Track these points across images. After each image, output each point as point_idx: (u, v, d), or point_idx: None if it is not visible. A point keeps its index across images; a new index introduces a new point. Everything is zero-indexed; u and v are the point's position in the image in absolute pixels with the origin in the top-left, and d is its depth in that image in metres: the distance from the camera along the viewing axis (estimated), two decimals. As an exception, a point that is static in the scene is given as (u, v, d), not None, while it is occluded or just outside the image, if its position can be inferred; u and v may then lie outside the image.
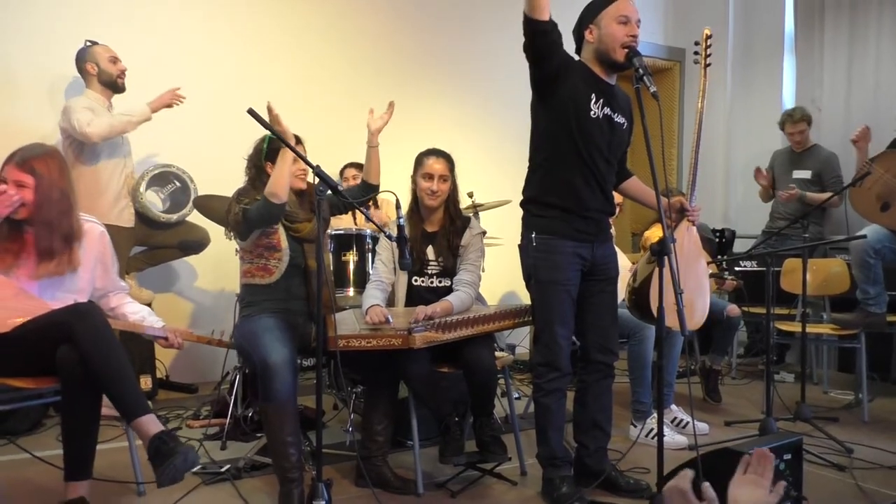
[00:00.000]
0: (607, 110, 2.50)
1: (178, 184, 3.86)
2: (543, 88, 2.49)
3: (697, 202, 2.75)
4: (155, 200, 3.86)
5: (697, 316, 2.71)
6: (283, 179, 2.45)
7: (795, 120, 4.84)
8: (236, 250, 3.39)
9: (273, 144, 2.61)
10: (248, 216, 2.54)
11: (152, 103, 3.62)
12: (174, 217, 3.80)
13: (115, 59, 3.68)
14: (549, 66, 2.41)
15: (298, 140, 2.69)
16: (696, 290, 2.71)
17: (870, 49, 5.18)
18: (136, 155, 3.86)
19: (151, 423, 2.13)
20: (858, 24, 5.25)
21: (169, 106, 3.67)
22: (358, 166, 4.27)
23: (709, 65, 2.84)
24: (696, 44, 2.96)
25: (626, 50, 2.39)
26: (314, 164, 2.25)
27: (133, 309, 2.60)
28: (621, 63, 2.43)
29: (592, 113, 2.46)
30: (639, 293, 2.66)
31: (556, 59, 2.39)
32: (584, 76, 2.49)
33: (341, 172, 4.41)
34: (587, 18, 2.50)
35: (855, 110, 5.26)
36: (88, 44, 3.69)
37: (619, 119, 2.55)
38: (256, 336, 2.48)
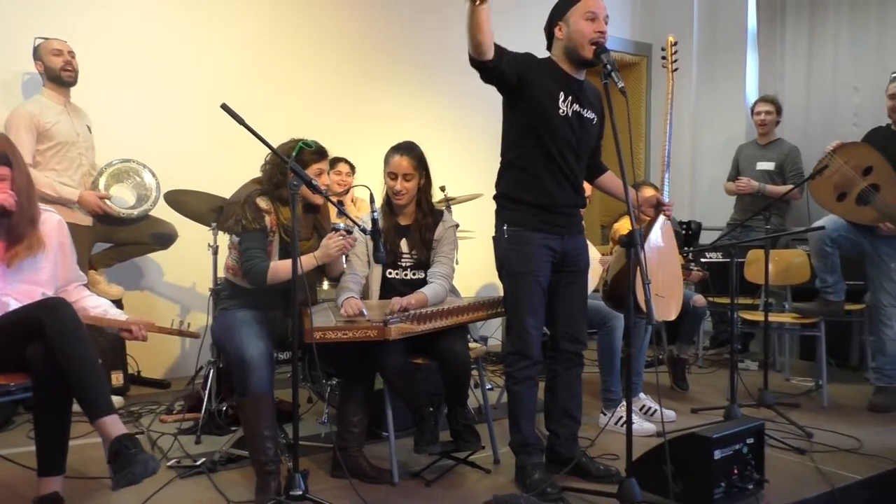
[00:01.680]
0: (576, 107, 2.54)
1: (138, 178, 3.79)
2: (508, 96, 2.55)
3: (669, 197, 2.83)
4: (126, 196, 3.79)
5: (674, 307, 2.78)
6: (284, 276, 2.51)
7: (765, 100, 4.98)
8: (209, 245, 3.41)
9: (302, 155, 2.62)
10: (245, 269, 2.58)
11: (82, 198, 3.53)
12: (135, 212, 3.73)
13: (58, 52, 3.55)
14: (506, 87, 2.48)
15: (324, 154, 2.71)
16: (672, 283, 2.78)
17: (828, 46, 5.33)
18: (101, 150, 3.80)
19: (114, 425, 2.13)
20: (817, 22, 5.40)
21: (93, 211, 3.58)
22: (345, 161, 4.27)
23: (675, 69, 2.92)
24: (663, 49, 3.04)
25: (594, 46, 2.44)
26: (288, 160, 2.28)
27: (94, 302, 2.57)
28: (590, 60, 2.48)
29: (561, 111, 2.50)
30: (612, 285, 2.73)
31: (512, 79, 2.44)
32: (552, 74, 2.53)
33: (329, 166, 4.35)
34: (556, 16, 2.55)
35: (814, 104, 5.41)
36: (38, 41, 3.60)
37: (589, 114, 2.60)
38: (233, 330, 2.49)
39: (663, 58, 3.06)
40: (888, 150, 3.72)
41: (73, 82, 3.63)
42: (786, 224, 5.02)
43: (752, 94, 5.78)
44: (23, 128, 3.40)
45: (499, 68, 2.38)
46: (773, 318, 4.01)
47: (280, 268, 2.58)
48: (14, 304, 2.31)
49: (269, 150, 2.42)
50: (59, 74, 3.56)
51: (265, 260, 2.59)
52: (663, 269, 2.70)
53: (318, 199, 2.71)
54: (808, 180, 3.82)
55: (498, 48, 2.37)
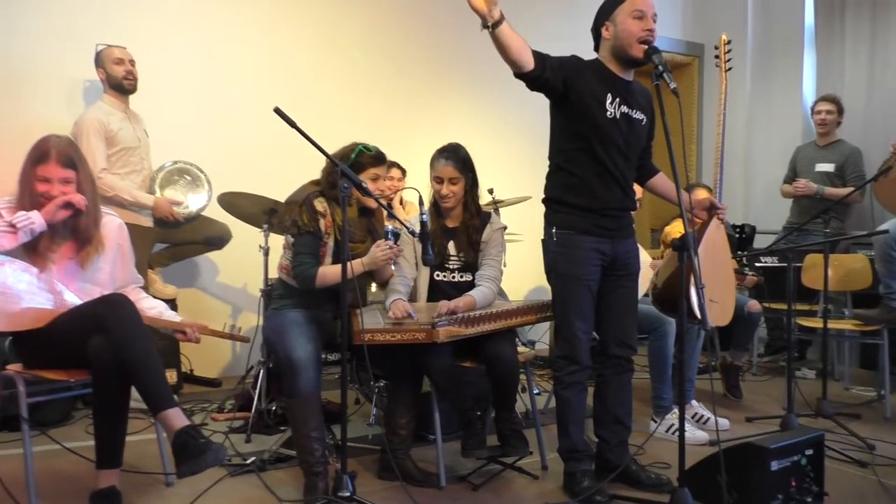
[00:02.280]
0: (624, 108, 2.51)
1: (188, 178, 3.86)
2: (555, 101, 2.53)
3: (723, 200, 2.77)
4: (178, 198, 3.87)
5: (726, 312, 2.72)
6: (332, 280, 2.55)
7: (826, 99, 4.84)
8: (260, 246, 3.47)
9: (361, 158, 2.64)
10: (294, 273, 2.63)
11: (157, 204, 3.65)
12: (193, 210, 3.80)
13: (119, 61, 3.64)
14: (553, 93, 2.47)
15: (382, 159, 2.73)
16: (725, 288, 2.72)
17: (891, 44, 5.13)
18: (156, 154, 3.89)
19: (177, 417, 2.17)
20: (879, 18, 5.20)
21: (165, 217, 3.69)
22: (397, 166, 4.30)
23: (729, 69, 2.85)
24: (716, 48, 2.97)
25: (644, 45, 2.41)
26: (339, 163, 2.30)
27: (150, 304, 2.64)
28: (639, 59, 2.44)
29: (609, 113, 2.47)
30: (663, 289, 2.68)
31: (557, 85, 2.42)
32: (599, 75, 2.50)
33: None
34: (603, 16, 2.52)
35: (877, 105, 5.22)
36: (100, 48, 3.70)
37: (638, 115, 2.56)
38: (283, 331, 2.52)
39: (716, 57, 3.00)
40: None
41: (134, 90, 3.73)
42: (846, 228, 4.85)
43: (809, 95, 5.61)
44: (94, 134, 3.50)
45: (542, 77, 2.37)
46: (832, 324, 3.88)
47: (328, 273, 2.60)
48: (76, 303, 2.38)
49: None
50: (120, 83, 3.66)
51: (314, 265, 2.62)
52: (716, 274, 2.64)
53: (372, 203, 2.72)
54: (872, 182, 3.68)
55: (539, 56, 2.36)
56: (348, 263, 2.52)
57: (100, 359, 2.19)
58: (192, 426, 2.16)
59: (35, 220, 2.26)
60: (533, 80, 2.38)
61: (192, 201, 3.85)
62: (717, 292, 2.64)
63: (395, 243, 2.61)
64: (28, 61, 3.91)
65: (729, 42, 2.97)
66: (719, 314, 2.67)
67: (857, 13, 5.33)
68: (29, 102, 3.90)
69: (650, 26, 2.42)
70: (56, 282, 2.37)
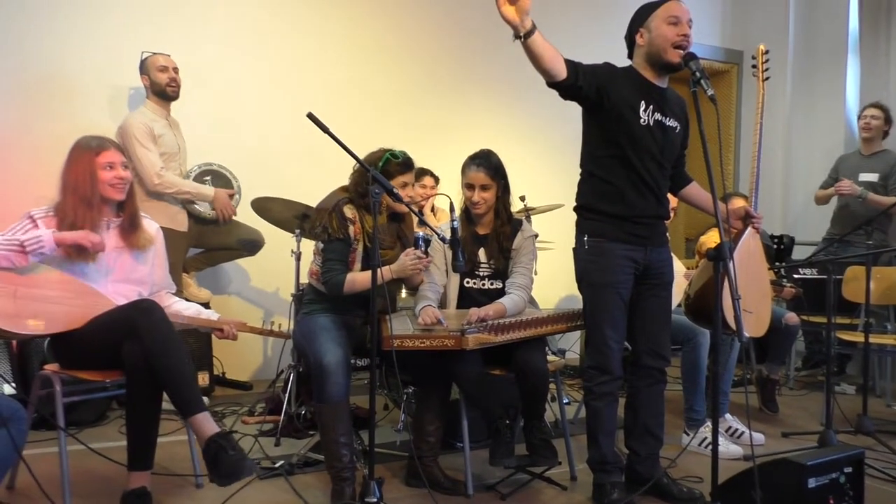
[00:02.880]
0: (658, 116, 2.48)
1: (212, 177, 3.90)
2: (588, 109, 2.50)
3: (759, 210, 2.71)
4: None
5: (761, 323, 2.66)
6: (362, 288, 2.57)
7: (875, 105, 4.73)
8: (292, 251, 3.50)
9: (388, 166, 2.65)
10: (323, 279, 2.65)
11: (216, 197, 3.74)
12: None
13: (163, 69, 3.72)
14: (586, 100, 2.44)
15: (410, 165, 2.73)
16: (760, 298, 2.66)
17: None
18: (190, 159, 3.96)
19: (207, 423, 2.20)
20: (928, 24, 5.07)
21: (224, 208, 3.77)
22: (430, 174, 4.30)
23: (767, 79, 2.80)
24: (753, 58, 2.92)
25: (679, 50, 2.38)
26: (370, 168, 2.31)
27: (185, 305, 2.70)
28: (675, 64, 2.41)
29: (642, 120, 2.44)
30: (696, 298, 2.63)
31: (591, 93, 2.39)
32: (632, 82, 2.47)
33: (415, 178, 4.37)
34: (637, 22, 2.50)
35: (923, 113, 5.06)
36: (145, 55, 3.78)
37: (671, 123, 2.52)
38: (313, 335, 2.54)
39: (754, 67, 2.95)
40: None
41: (176, 97, 3.80)
42: (888, 239, 4.72)
43: (853, 103, 5.48)
44: (143, 136, 3.57)
45: (575, 85, 2.36)
46: (873, 339, 3.76)
47: (357, 279, 2.61)
48: (111, 305, 2.42)
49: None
50: (164, 89, 3.73)
51: (343, 272, 2.63)
52: (751, 284, 2.58)
53: (402, 209, 2.73)
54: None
55: (571, 64, 2.34)
56: (377, 270, 2.54)
57: (132, 364, 2.23)
58: (222, 433, 2.18)
59: (45, 243, 2.30)
60: (566, 89, 2.37)
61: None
62: (753, 303, 2.58)
63: (426, 250, 2.60)
64: (74, 69, 4.01)
65: (767, 52, 2.91)
66: (754, 325, 2.62)
67: (903, 19, 5.21)
68: (73, 109, 4.00)
69: (686, 31, 2.40)
70: (92, 282, 2.41)
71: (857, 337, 3.77)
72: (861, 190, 4.56)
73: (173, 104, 3.85)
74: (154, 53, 3.78)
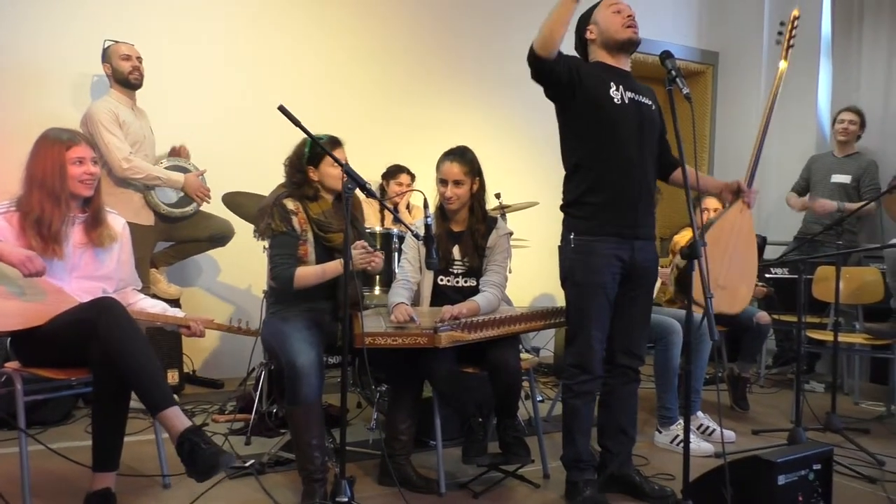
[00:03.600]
0: (630, 94, 2.49)
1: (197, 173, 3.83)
2: (559, 97, 2.50)
3: (754, 187, 2.75)
4: (168, 193, 3.80)
5: (739, 301, 2.67)
6: (314, 281, 2.58)
7: (851, 109, 4.79)
8: (264, 248, 3.44)
9: (315, 149, 2.63)
10: (273, 275, 2.64)
11: (188, 181, 3.67)
12: (189, 209, 3.78)
13: (126, 57, 3.65)
14: (558, 85, 2.44)
15: (337, 142, 2.70)
16: (740, 277, 2.66)
17: (909, 52, 5.07)
18: (161, 153, 3.90)
19: (177, 418, 2.15)
20: (898, 28, 5.14)
21: (198, 192, 3.71)
22: (406, 172, 4.26)
23: (791, 46, 2.82)
24: (782, 24, 2.92)
25: (630, 28, 2.45)
26: (344, 165, 2.28)
27: (150, 303, 2.64)
28: (632, 39, 2.48)
29: (616, 99, 2.45)
30: (683, 276, 2.64)
31: (565, 75, 2.40)
32: (599, 69, 2.51)
33: (391, 175, 4.39)
34: (583, 23, 2.57)
35: (892, 116, 5.14)
36: (108, 44, 3.71)
37: (646, 101, 2.53)
38: (284, 336, 2.49)
39: (780, 33, 2.95)
40: None
41: (139, 85, 3.72)
42: (858, 240, 4.79)
43: (824, 104, 5.55)
44: (109, 123, 3.49)
45: (556, 67, 2.37)
46: (842, 338, 3.81)
47: (308, 273, 2.60)
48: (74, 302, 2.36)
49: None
50: (126, 78, 3.66)
51: (292, 266, 2.61)
52: (734, 259, 2.58)
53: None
54: (887, 194, 3.62)
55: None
56: (324, 266, 2.58)
57: (98, 363, 2.18)
58: (193, 429, 2.13)
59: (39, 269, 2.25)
60: (548, 69, 2.37)
61: (185, 199, 3.81)
62: (731, 278, 2.58)
63: (400, 247, 2.58)
64: (34, 57, 3.92)
65: (797, 18, 2.90)
66: (728, 301, 2.62)
67: (875, 22, 5.27)
68: (36, 98, 3.91)
69: (630, 13, 2.49)
70: (56, 279, 2.36)
71: (827, 336, 3.81)
72: (837, 204, 4.61)
73: (145, 97, 3.77)
74: (116, 42, 3.71)
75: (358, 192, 2.31)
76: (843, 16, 5.49)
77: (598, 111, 2.44)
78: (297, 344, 2.44)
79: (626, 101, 2.47)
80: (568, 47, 2.49)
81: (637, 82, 2.57)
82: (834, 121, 4.90)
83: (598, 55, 2.54)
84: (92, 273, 2.47)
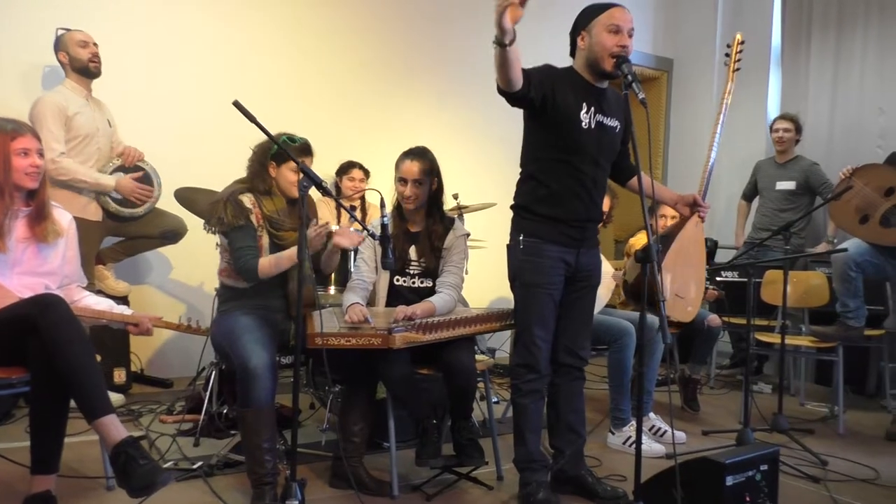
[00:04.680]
0: (599, 116, 2.49)
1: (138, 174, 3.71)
2: (532, 113, 2.49)
3: (707, 201, 2.81)
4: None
5: (693, 309, 2.72)
6: (275, 271, 2.55)
7: (785, 118, 4.90)
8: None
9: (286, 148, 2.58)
10: (237, 266, 2.58)
11: (120, 184, 3.51)
12: (141, 210, 3.67)
13: (84, 44, 3.54)
14: (531, 107, 2.43)
15: (307, 150, 2.67)
16: (694, 286, 2.72)
17: (854, 66, 5.22)
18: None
19: (114, 427, 2.08)
20: (844, 41, 5.29)
21: (132, 195, 3.56)
22: (359, 167, 4.21)
23: (738, 69, 2.88)
24: (728, 46, 2.99)
25: (615, 59, 2.38)
26: (297, 159, 2.25)
27: (96, 300, 2.56)
28: (609, 72, 2.43)
29: (584, 124, 2.45)
30: (632, 285, 2.67)
31: (538, 101, 2.38)
32: (573, 85, 2.47)
33: (344, 171, 4.35)
34: (580, 24, 2.50)
35: (838, 124, 5.30)
36: (61, 32, 3.59)
37: (612, 122, 2.55)
38: (236, 336, 2.44)
39: (727, 55, 3.02)
40: None
41: (98, 73, 3.61)
42: (806, 245, 4.92)
43: (773, 112, 5.69)
44: (51, 117, 3.37)
45: (527, 96, 2.34)
46: (789, 340, 3.91)
47: (270, 263, 2.55)
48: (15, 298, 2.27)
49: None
50: (86, 65, 3.54)
51: (256, 257, 2.56)
52: (687, 271, 2.65)
53: (297, 192, 2.64)
54: (833, 200, 3.72)
55: (525, 75, 2.30)
56: (283, 254, 2.54)
57: (36, 362, 2.10)
58: (130, 441, 2.06)
59: None
60: (518, 99, 2.35)
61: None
62: (687, 289, 2.64)
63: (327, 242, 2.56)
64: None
65: (742, 42, 2.99)
66: (683, 310, 2.67)
67: (823, 35, 5.43)
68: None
69: (625, 42, 2.40)
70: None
71: (774, 338, 3.90)
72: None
73: (98, 91, 3.66)
74: (69, 30, 3.59)
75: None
76: (793, 28, 5.64)
77: (564, 132, 2.44)
78: (249, 345, 2.39)
79: (593, 126, 2.47)
80: (563, 47, 2.51)
81: (610, 97, 2.55)
82: (770, 129, 5.02)
83: (579, 66, 2.51)
84: (35, 269, 2.38)
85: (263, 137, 2.17)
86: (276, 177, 2.66)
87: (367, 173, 4.22)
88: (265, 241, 2.62)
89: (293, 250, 2.51)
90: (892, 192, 3.65)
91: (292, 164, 2.58)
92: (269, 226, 2.61)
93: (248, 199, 2.61)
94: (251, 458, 2.39)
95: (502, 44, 2.10)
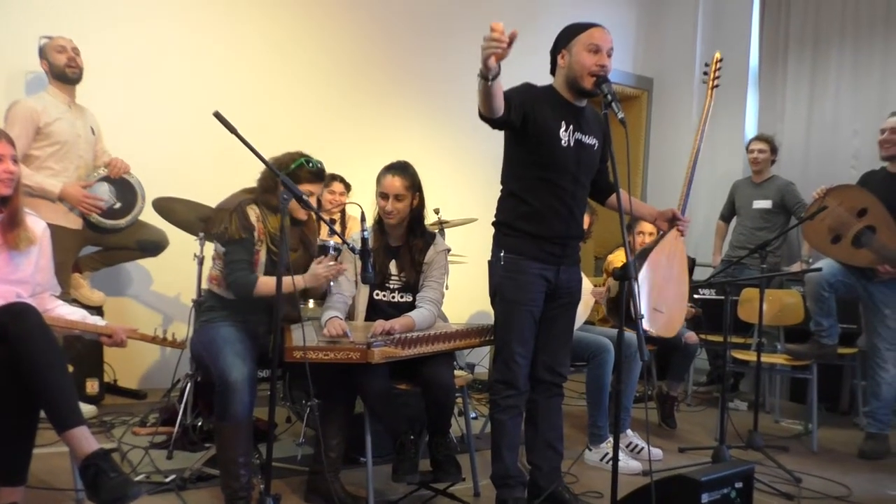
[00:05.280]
0: (578, 135, 2.51)
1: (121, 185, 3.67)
2: (513, 134, 2.52)
3: (687, 216, 2.83)
4: (102, 192, 3.60)
5: (674, 325, 2.74)
6: (269, 291, 2.49)
7: (760, 138, 4.97)
8: (195, 255, 3.34)
9: (299, 171, 2.57)
10: (230, 280, 2.55)
11: (66, 192, 3.39)
12: (122, 223, 3.62)
13: (61, 49, 3.50)
14: (512, 129, 2.46)
15: (320, 176, 2.66)
16: (675, 301, 2.73)
17: (829, 88, 5.32)
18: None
19: (84, 439, 2.04)
20: (820, 64, 5.39)
21: (79, 204, 3.43)
22: (340, 180, 4.20)
23: (716, 86, 2.92)
24: (707, 65, 3.03)
25: (594, 78, 2.41)
26: (279, 172, 2.24)
27: (69, 310, 2.52)
28: (588, 91, 2.45)
29: (563, 142, 2.47)
30: (612, 302, 2.68)
31: (518, 124, 2.41)
32: (552, 104, 2.50)
33: (325, 184, 4.29)
34: (561, 43, 2.52)
35: (813, 145, 5.39)
36: (43, 41, 3.56)
37: (590, 140, 2.57)
38: (216, 348, 2.41)
39: (705, 73, 3.06)
40: (884, 193, 3.69)
41: (78, 79, 3.57)
42: (781, 264, 4.98)
43: (751, 132, 5.77)
44: (21, 121, 3.33)
45: (508, 121, 2.37)
46: (765, 358, 3.94)
47: (269, 283, 2.52)
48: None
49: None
50: (63, 71, 3.51)
51: (253, 272, 2.54)
52: (668, 285, 2.66)
53: (302, 215, 2.67)
54: (808, 220, 3.77)
55: (505, 99, 2.31)
56: (289, 279, 2.46)
57: (4, 371, 2.05)
58: (101, 453, 2.03)
59: None
60: (501, 122, 2.36)
61: (122, 208, 3.64)
62: (668, 303, 2.66)
63: (337, 258, 2.56)
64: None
65: (720, 60, 3.03)
66: (665, 325, 2.69)
67: (799, 57, 5.53)
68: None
69: (604, 62, 2.42)
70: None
71: (750, 356, 3.94)
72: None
73: (79, 98, 3.63)
74: (52, 37, 3.56)
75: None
76: (770, 50, 5.74)
77: (544, 151, 2.46)
78: (230, 357, 2.37)
79: (573, 144, 2.49)
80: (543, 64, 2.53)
81: (588, 115, 2.58)
82: (746, 149, 5.08)
83: (559, 85, 2.53)
84: (6, 276, 2.34)
85: (246, 150, 2.15)
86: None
87: (347, 187, 4.21)
88: (262, 256, 2.60)
89: (297, 279, 2.50)
90: (865, 212, 3.70)
91: (303, 188, 2.53)
92: (271, 243, 2.59)
93: (253, 213, 2.58)
94: (226, 471, 2.36)
95: (486, 78, 2.13)
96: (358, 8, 4.98)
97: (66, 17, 3.92)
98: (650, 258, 2.81)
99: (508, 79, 2.28)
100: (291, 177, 2.51)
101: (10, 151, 2.30)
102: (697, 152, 3.00)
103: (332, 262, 2.54)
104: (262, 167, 2.53)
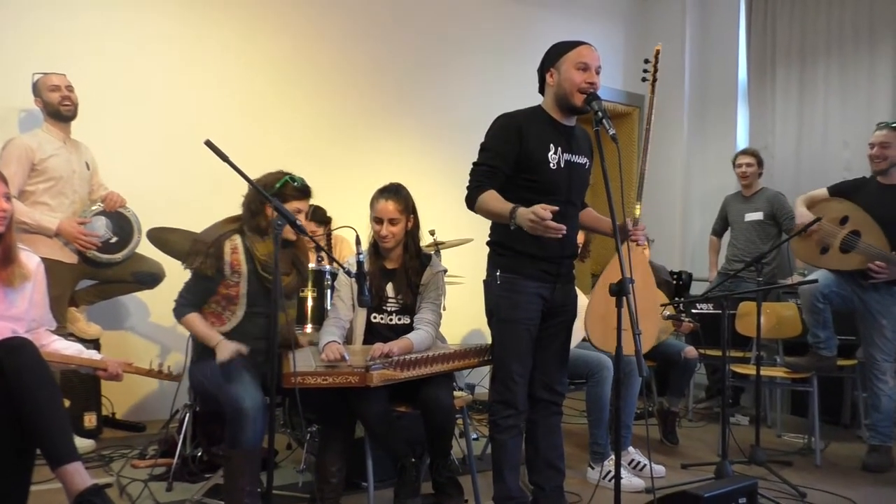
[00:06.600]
0: (567, 156, 2.53)
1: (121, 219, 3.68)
2: None
3: (650, 234, 2.80)
4: (99, 227, 3.62)
5: (646, 339, 2.72)
6: (196, 333, 2.62)
7: (746, 153, 5.01)
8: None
9: (285, 188, 2.60)
10: (176, 301, 2.66)
11: (62, 228, 3.41)
12: (119, 256, 3.63)
13: (55, 87, 3.53)
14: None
15: (306, 192, 2.70)
16: (645, 312, 2.72)
17: (818, 100, 5.37)
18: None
19: (78, 475, 2.03)
20: (808, 77, 5.45)
21: (74, 240, 3.45)
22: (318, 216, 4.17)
23: (655, 80, 2.92)
24: (646, 61, 3.03)
25: (584, 95, 2.43)
26: (273, 199, 2.25)
27: (64, 344, 2.52)
28: (578, 107, 2.47)
29: (552, 163, 2.49)
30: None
31: (511, 168, 2.50)
32: (541, 125, 2.52)
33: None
34: (549, 62, 2.55)
35: (805, 157, 5.43)
36: (37, 77, 3.59)
37: (580, 160, 2.58)
38: (225, 377, 2.40)
39: (645, 70, 3.05)
40: (875, 204, 3.72)
41: (73, 116, 3.59)
42: (777, 276, 4.99)
43: (742, 145, 5.82)
44: (15, 159, 3.35)
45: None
46: (764, 372, 3.93)
47: (196, 326, 2.60)
48: None
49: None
50: (57, 109, 3.53)
51: (191, 308, 2.61)
52: (638, 298, 2.64)
53: (292, 235, 2.67)
54: (799, 234, 3.80)
55: (496, 177, 2.50)
56: (216, 337, 2.59)
57: (0, 407, 2.04)
58: (94, 489, 2.02)
59: None
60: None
61: (119, 243, 3.65)
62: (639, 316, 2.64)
63: (333, 284, 2.56)
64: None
65: (658, 52, 3.03)
66: (643, 340, 2.67)
67: (787, 71, 5.59)
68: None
69: (593, 79, 2.45)
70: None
71: (750, 370, 3.93)
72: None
73: (74, 132, 3.65)
74: (45, 74, 3.58)
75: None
76: (758, 64, 5.80)
77: (534, 173, 2.48)
78: (241, 385, 2.36)
79: (562, 165, 2.51)
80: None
81: (578, 135, 2.60)
82: (734, 164, 5.11)
83: (548, 105, 2.56)
84: (2, 313, 2.33)
85: (238, 177, 2.16)
86: (272, 217, 2.63)
87: (323, 221, 4.12)
88: (242, 288, 2.60)
89: (219, 340, 2.55)
90: (846, 220, 3.76)
91: (291, 205, 2.57)
92: (261, 269, 2.59)
93: (229, 246, 2.58)
94: (230, 499, 2.34)
95: (510, 225, 2.35)
96: (346, 36, 5.03)
97: (58, 53, 3.95)
98: (605, 274, 2.81)
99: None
100: (278, 196, 2.54)
101: (3, 189, 2.30)
102: (646, 149, 3.01)
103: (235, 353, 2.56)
104: (249, 186, 2.54)
